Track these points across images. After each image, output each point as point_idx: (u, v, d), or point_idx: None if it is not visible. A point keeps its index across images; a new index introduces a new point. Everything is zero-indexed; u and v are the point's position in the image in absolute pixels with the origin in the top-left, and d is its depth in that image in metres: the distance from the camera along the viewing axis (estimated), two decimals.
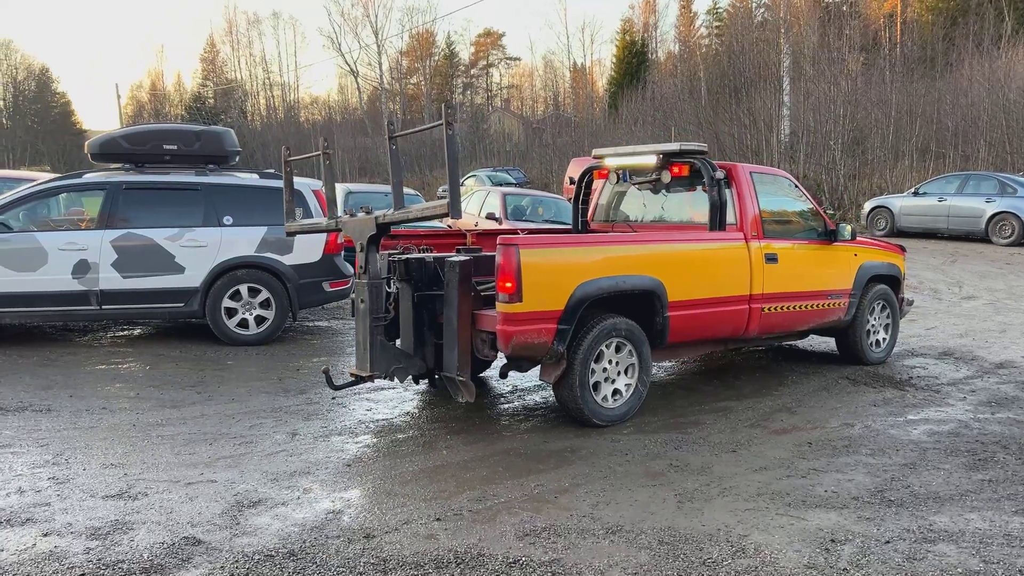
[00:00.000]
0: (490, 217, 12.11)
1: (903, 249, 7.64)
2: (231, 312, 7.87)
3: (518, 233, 6.27)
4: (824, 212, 6.94)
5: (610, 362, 5.38)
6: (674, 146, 6.27)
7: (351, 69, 59.87)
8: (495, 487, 4.32)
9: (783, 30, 32.15)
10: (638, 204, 7.08)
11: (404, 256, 5.44)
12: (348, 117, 60.16)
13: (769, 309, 6.18)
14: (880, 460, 4.79)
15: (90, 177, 7.91)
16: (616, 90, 46.28)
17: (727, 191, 6.12)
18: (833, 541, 3.70)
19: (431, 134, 50.57)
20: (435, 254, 5.60)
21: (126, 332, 8.79)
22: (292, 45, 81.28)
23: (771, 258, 6.16)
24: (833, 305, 6.75)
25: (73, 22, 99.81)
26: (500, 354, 5.10)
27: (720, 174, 6.07)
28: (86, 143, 8.31)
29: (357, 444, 5.04)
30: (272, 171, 8.94)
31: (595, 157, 6.96)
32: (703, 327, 5.87)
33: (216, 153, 8.18)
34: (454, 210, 4.44)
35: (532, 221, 12.50)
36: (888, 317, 7.38)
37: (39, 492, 4.21)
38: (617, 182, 6.98)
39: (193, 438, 5.09)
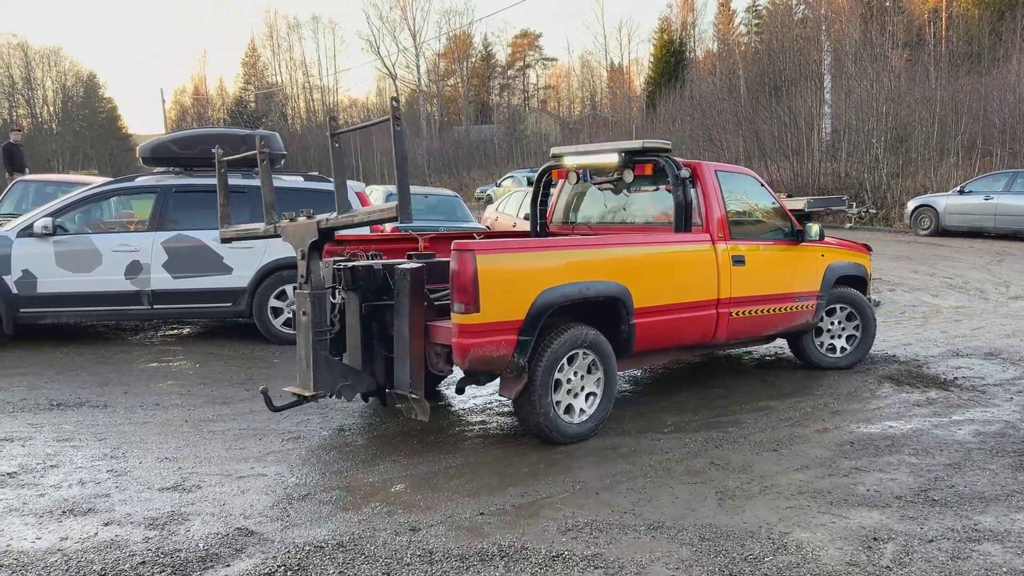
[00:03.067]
0: (528, 218, 12.15)
1: (869, 248, 7.42)
2: (277, 311, 8.04)
3: (474, 237, 6.02)
4: (788, 210, 6.68)
5: (575, 374, 5.07)
6: (636, 144, 5.97)
7: (389, 72, 60.45)
8: (537, 484, 4.39)
9: (824, 27, 31.73)
10: (599, 205, 6.76)
11: (350, 263, 5.04)
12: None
13: (737, 314, 5.95)
14: (924, 460, 4.77)
15: (142, 181, 8.15)
16: (654, 89, 46.12)
17: (692, 191, 5.84)
18: (875, 539, 3.70)
19: (468, 136, 50.89)
20: (384, 261, 5.26)
21: (176, 331, 9.04)
22: (331, 49, 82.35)
23: (738, 260, 5.92)
24: (801, 308, 6.52)
25: (119, 29, 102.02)
26: (456, 368, 4.84)
27: (685, 173, 5.77)
28: (137, 147, 8.56)
29: (402, 441, 5.15)
30: (316, 173, 9.12)
31: (553, 156, 6.64)
32: (670, 334, 5.62)
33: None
34: (403, 213, 4.13)
35: None
36: (856, 328, 7.03)
37: (99, 484, 4.39)
38: (577, 182, 6.59)
39: (243, 433, 5.24)
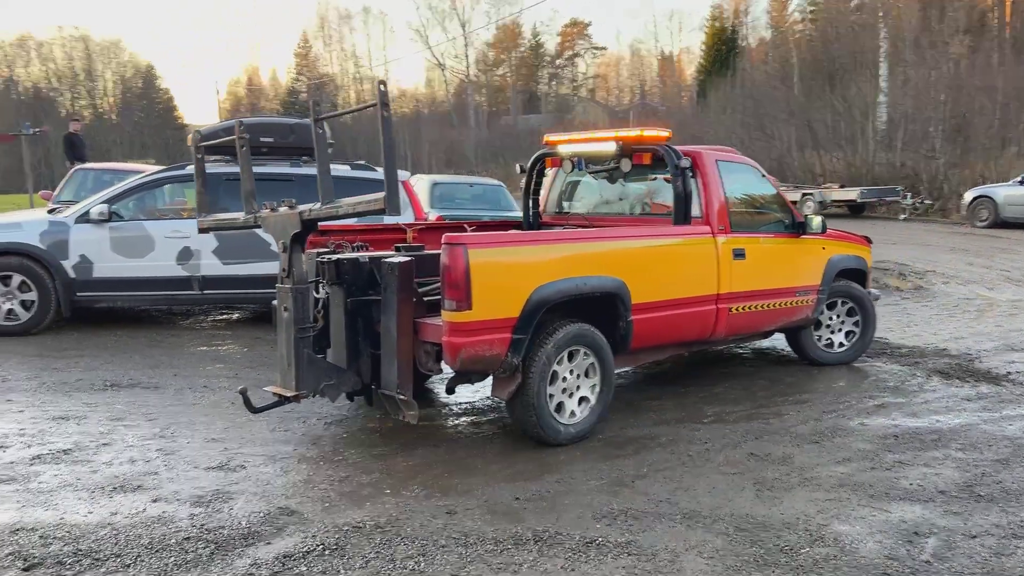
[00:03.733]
0: None
1: (870, 240, 7.20)
2: None
3: (465, 230, 5.86)
4: (790, 203, 6.47)
5: (571, 373, 4.86)
6: (634, 132, 5.75)
7: (438, 62, 60.68)
8: (573, 470, 4.41)
9: (881, 13, 30.98)
10: (594, 195, 6.56)
11: (335, 256, 4.79)
12: (435, 110, 60.98)
13: (737, 309, 5.76)
14: (971, 455, 4.66)
15: (192, 169, 8.32)
16: (704, 78, 45.52)
17: (692, 181, 5.62)
18: (916, 534, 3.64)
19: (516, 126, 50.79)
20: (371, 253, 4.99)
21: (225, 316, 9.25)
22: (381, 39, 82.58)
23: (739, 253, 5.72)
24: (802, 303, 6.32)
25: (176, 21, 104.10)
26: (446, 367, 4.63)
27: (685, 162, 5.54)
28: (188, 136, 8.75)
29: (443, 426, 5.21)
30: (363, 163, 9.22)
31: (547, 143, 6.39)
32: (668, 331, 5.43)
33: (310, 145, 8.46)
34: (391, 204, 3.86)
35: None
36: (856, 323, 6.82)
37: (148, 462, 4.53)
38: (572, 171, 6.39)
39: (287, 416, 5.35)
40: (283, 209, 4.48)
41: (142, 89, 68.33)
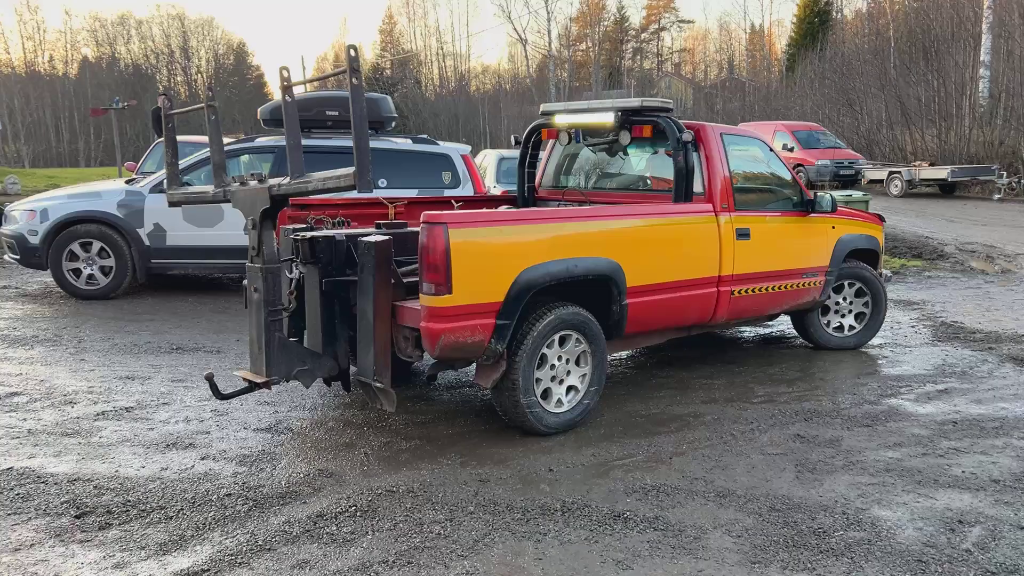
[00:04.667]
0: None
1: (882, 219, 6.80)
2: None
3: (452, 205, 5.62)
4: (800, 179, 6.16)
5: (560, 359, 4.59)
6: (635, 102, 5.38)
7: (520, 37, 60.45)
8: (612, 445, 4.39)
9: None
10: (592, 168, 6.21)
11: (309, 234, 4.45)
12: (517, 86, 60.87)
13: (739, 292, 5.44)
14: None
15: (261, 141, 8.57)
16: (794, 52, 44.02)
17: (694, 155, 5.28)
18: (960, 522, 3.50)
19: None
20: (349, 231, 4.69)
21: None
22: (464, 15, 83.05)
23: (743, 233, 5.39)
24: (808, 285, 5.99)
25: None
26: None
27: (688, 135, 5.19)
28: (258, 109, 8.99)
29: (484, 397, 5.24)
30: (425, 136, 9.31)
31: (543, 114, 6.02)
32: (665, 315, 5.14)
33: (373, 119, 8.61)
34: (362, 181, 3.54)
35: None
36: (865, 304, 6.53)
37: (202, 422, 4.72)
38: (569, 143, 6.03)
39: (338, 384, 5.47)
40: (253, 183, 4.16)
41: (234, 65, 70.40)
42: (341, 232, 4.54)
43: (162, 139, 13.09)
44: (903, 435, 4.58)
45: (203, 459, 4.17)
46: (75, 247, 8.20)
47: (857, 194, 12.94)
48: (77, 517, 3.52)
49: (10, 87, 54.25)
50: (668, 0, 65.93)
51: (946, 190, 22.28)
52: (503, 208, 6.06)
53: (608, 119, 5.50)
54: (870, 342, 6.62)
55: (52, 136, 55.79)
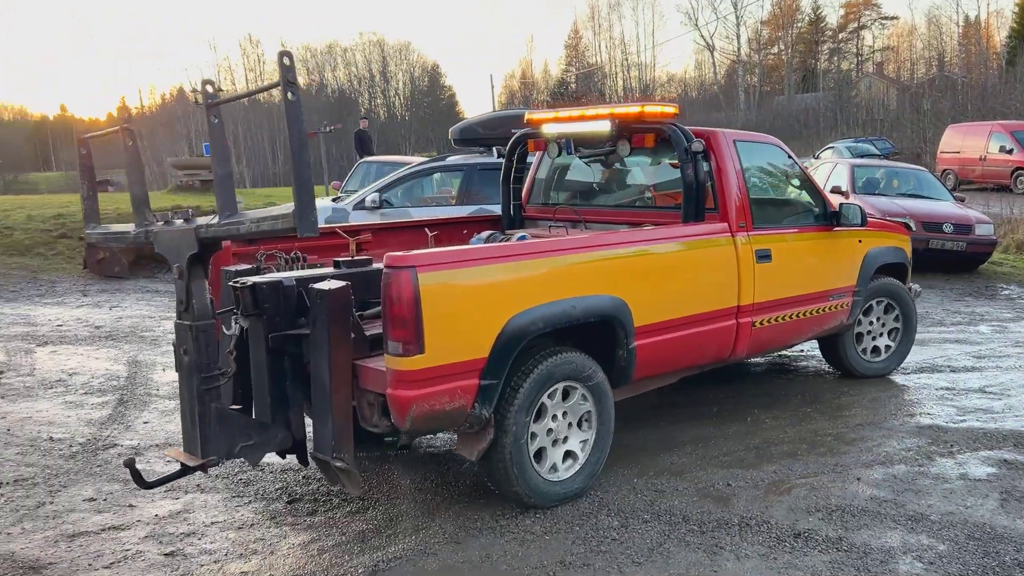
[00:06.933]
0: (835, 191, 11.44)
1: (910, 228, 5.98)
2: None
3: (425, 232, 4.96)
4: (819, 187, 5.37)
5: (559, 415, 3.86)
6: (633, 107, 4.74)
7: (707, 44, 59.29)
8: (794, 463, 4.29)
9: None
10: (587, 183, 5.51)
11: (250, 280, 3.52)
12: (703, 93, 59.73)
13: (761, 323, 4.77)
14: None
15: (452, 160, 9.05)
16: (1016, 44, 40.21)
17: (705, 167, 4.61)
18: None
19: (788, 106, 48.19)
20: (300, 273, 3.86)
21: None
22: (650, 25, 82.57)
23: (763, 255, 4.72)
24: (836, 308, 5.30)
25: (458, 21, 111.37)
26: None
27: (697, 145, 4.53)
28: (449, 129, 9.49)
29: (666, 408, 5.24)
30: None
31: (528, 123, 5.33)
32: (677, 355, 4.46)
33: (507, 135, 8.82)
34: (303, 221, 2.78)
35: (885, 195, 11.58)
36: (897, 319, 5.83)
37: None
38: (559, 154, 5.26)
39: None
40: (178, 223, 3.37)
41: (428, 87, 74.01)
42: (290, 275, 3.69)
43: (363, 159, 14.07)
44: None
45: (395, 457, 4.49)
46: None
47: None
48: (289, 503, 3.93)
49: (235, 115, 60.00)
50: None
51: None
52: (486, 233, 5.31)
53: (604, 127, 4.84)
54: None
55: (268, 158, 61.13)
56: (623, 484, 4.03)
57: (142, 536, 3.61)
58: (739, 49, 58.57)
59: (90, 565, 3.37)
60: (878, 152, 28.37)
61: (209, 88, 3.22)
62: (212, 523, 3.74)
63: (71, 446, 4.68)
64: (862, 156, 23.58)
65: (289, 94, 2.72)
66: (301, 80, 68.88)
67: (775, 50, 62.14)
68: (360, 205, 8.75)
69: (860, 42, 63.82)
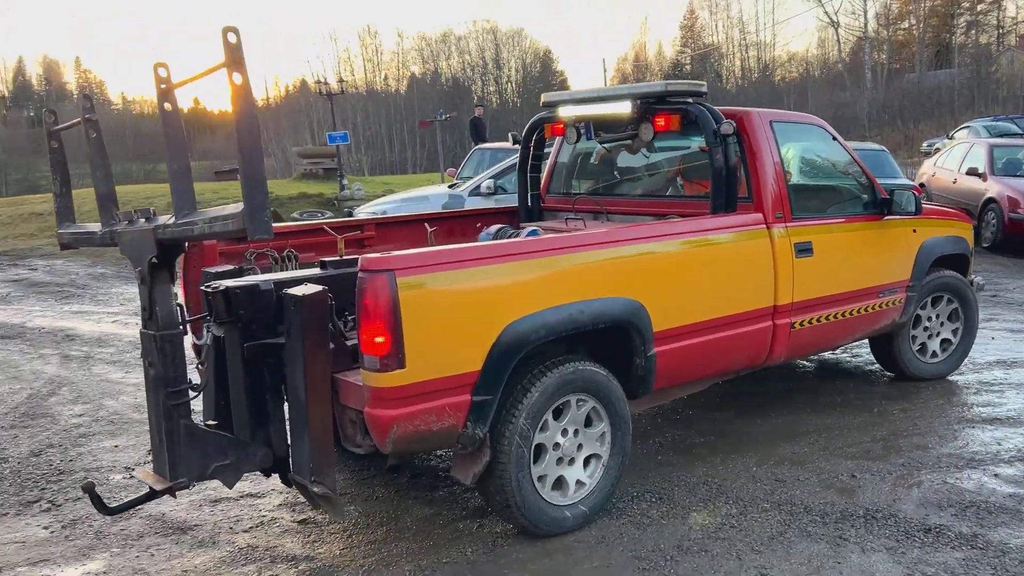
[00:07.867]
0: (971, 172, 10.79)
1: (971, 214, 5.14)
2: None
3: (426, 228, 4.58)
4: (868, 172, 4.77)
5: (568, 432, 3.47)
6: (657, 86, 4.34)
7: (831, 20, 56.78)
8: (924, 454, 4.12)
9: None
10: (608, 171, 5.11)
11: (223, 284, 3.17)
12: (826, 72, 57.29)
13: (801, 324, 4.31)
14: None
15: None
16: None
17: (737, 151, 4.15)
18: None
19: (919, 84, 45.68)
20: (279, 276, 3.50)
21: None
22: (770, 2, 79.62)
23: (803, 249, 4.26)
24: (886, 305, 4.79)
25: (571, 4, 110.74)
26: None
27: (727, 126, 4.05)
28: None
29: (792, 395, 5.13)
30: None
31: (544, 105, 4.94)
32: (704, 363, 4.02)
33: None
34: (255, 221, 2.46)
35: None
36: (956, 317, 5.30)
37: None
38: (577, 140, 4.85)
39: None
40: (140, 222, 3.06)
41: (540, 73, 74.10)
42: (268, 278, 3.31)
43: (478, 146, 14.29)
44: None
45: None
46: None
47: None
48: (413, 477, 4.08)
49: (354, 105, 61.83)
50: None
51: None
52: (495, 227, 4.97)
53: (624, 108, 4.43)
54: None
55: (386, 147, 62.81)
56: (741, 472, 3.98)
57: (276, 504, 3.85)
58: (866, 24, 55.67)
59: (231, 528, 3.62)
60: (1020, 131, 26.49)
61: (162, 72, 2.86)
62: (341, 495, 3.93)
63: None
64: (1001, 136, 22.08)
65: (235, 76, 2.39)
66: (416, 70, 70.43)
67: (905, 24, 58.81)
68: (475, 192, 8.91)
69: (1002, 13, 59.62)
